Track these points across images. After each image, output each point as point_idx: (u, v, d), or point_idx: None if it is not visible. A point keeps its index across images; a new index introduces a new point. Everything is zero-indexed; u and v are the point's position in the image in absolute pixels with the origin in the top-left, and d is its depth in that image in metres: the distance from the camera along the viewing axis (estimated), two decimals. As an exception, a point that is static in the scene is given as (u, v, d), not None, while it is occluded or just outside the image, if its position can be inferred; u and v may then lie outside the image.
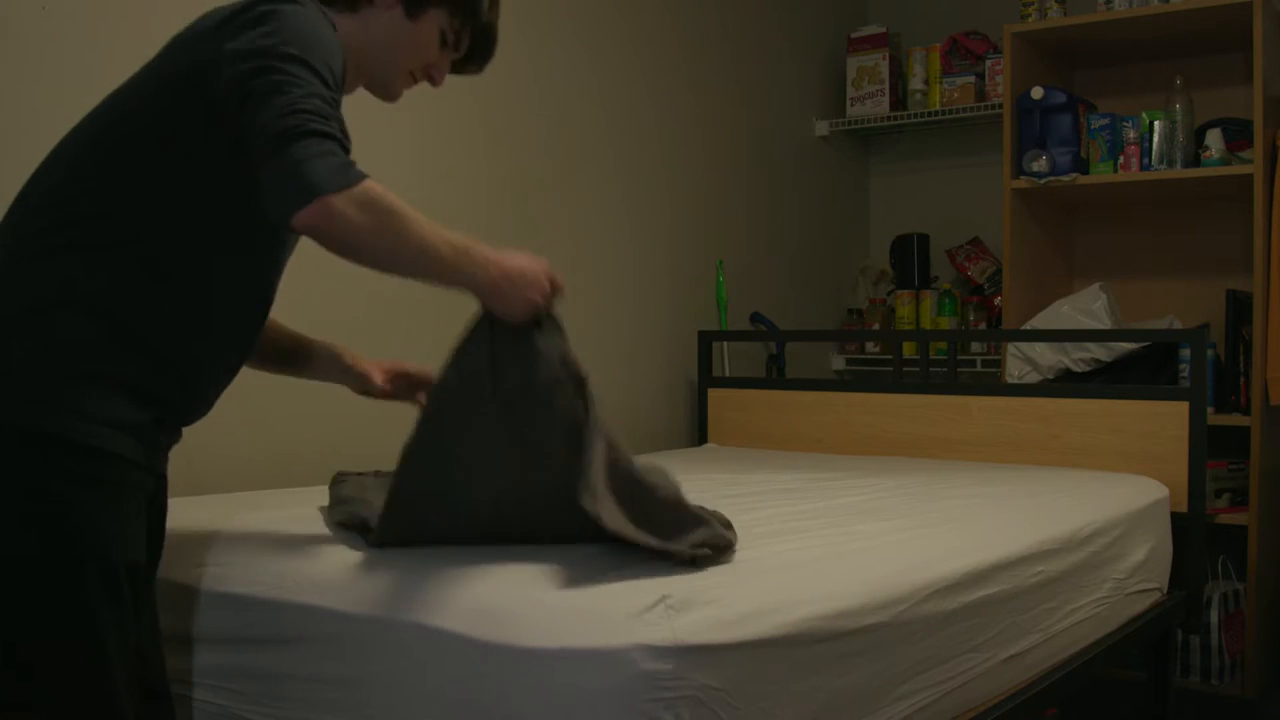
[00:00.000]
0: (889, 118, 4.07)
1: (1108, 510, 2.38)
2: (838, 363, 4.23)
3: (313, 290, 2.54)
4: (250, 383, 1.73)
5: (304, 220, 1.29)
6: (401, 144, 2.72)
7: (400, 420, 1.70)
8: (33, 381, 1.34)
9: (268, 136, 1.30)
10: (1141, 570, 2.47)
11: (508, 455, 1.57)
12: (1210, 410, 3.10)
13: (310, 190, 1.28)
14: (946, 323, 3.99)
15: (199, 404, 1.54)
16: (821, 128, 4.14)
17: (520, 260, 1.52)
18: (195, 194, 1.42)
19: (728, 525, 1.66)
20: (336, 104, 1.38)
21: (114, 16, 2.17)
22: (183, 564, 1.66)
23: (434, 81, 1.68)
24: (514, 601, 1.41)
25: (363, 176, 1.33)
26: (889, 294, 4.19)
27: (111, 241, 1.39)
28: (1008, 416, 3.02)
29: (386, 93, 1.68)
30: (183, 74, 1.40)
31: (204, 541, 1.70)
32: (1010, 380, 3.40)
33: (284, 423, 2.46)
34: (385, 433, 2.54)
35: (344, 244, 1.33)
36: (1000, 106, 3.72)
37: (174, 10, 1.77)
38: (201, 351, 1.49)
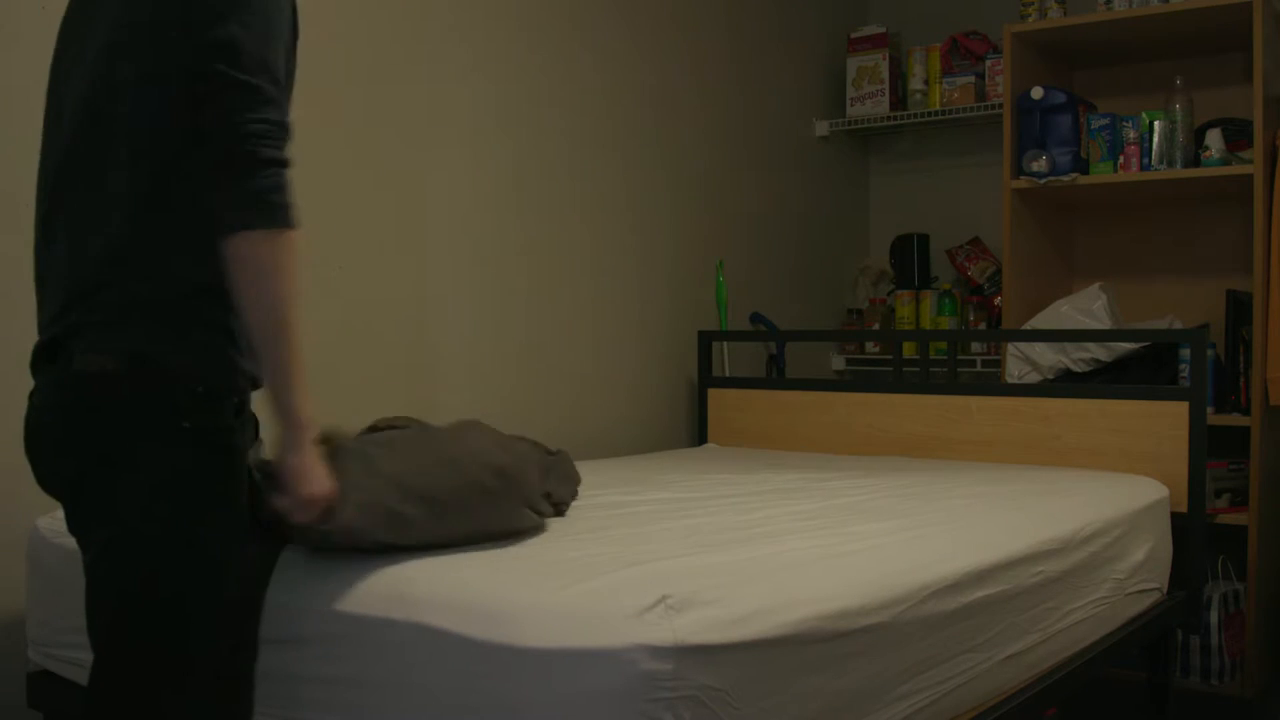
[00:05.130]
0: (889, 118, 4.07)
1: (1108, 510, 2.38)
2: (838, 363, 4.23)
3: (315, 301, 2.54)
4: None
5: (249, 241, 1.35)
6: (400, 140, 2.72)
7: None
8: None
9: (231, 152, 1.36)
10: (1141, 570, 2.47)
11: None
12: (1210, 410, 3.10)
13: (267, 220, 1.36)
14: (946, 323, 3.98)
15: None
16: (821, 128, 4.14)
17: (317, 466, 1.46)
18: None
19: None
20: (284, 84, 1.42)
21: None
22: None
23: None
24: (514, 601, 1.41)
25: (294, 223, 1.39)
26: (889, 294, 4.19)
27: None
28: (1008, 416, 3.02)
29: None
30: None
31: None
32: (1010, 380, 3.40)
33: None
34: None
35: (258, 272, 1.36)
36: (1000, 106, 3.71)
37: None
38: None
